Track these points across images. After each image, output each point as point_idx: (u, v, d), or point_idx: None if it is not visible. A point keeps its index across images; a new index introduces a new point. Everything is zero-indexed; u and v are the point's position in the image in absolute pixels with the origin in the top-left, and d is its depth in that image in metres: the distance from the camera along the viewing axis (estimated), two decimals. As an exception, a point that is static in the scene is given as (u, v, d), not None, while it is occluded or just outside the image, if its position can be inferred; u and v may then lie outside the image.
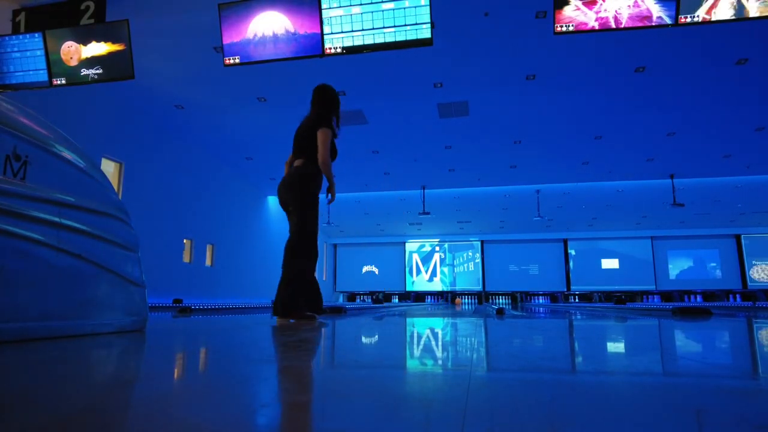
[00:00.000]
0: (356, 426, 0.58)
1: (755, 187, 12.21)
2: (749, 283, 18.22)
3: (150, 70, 6.62)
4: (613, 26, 4.11)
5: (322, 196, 3.47)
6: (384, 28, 4.43)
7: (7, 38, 5.33)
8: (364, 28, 4.47)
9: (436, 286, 20.62)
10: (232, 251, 11.25)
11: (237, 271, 11.49)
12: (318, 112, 3.45)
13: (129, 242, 2.20)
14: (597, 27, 4.14)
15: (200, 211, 9.96)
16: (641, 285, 18.99)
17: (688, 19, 4.01)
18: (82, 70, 5.20)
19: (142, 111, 8.00)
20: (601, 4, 4.10)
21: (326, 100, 3.51)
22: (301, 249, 3.21)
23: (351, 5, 4.47)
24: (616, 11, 4.09)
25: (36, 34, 5.23)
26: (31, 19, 5.37)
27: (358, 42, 4.50)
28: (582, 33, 4.20)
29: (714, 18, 3.99)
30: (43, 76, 5.30)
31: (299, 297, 3.12)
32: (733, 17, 3.96)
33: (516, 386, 0.85)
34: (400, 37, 4.41)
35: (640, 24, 4.07)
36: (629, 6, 4.07)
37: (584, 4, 4.12)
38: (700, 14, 4.00)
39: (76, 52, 5.16)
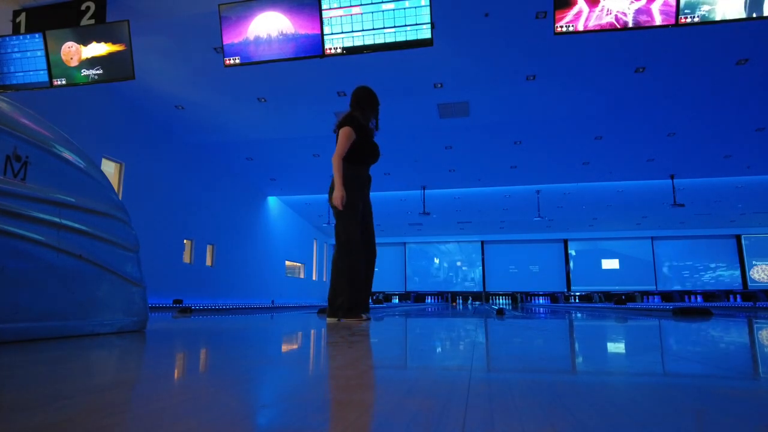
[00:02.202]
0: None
1: (755, 187, 12.21)
2: (749, 284, 18.21)
3: (150, 70, 6.62)
4: (602, 28, 4.11)
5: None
6: (384, 28, 4.43)
7: (7, 39, 5.33)
8: (365, 28, 4.47)
9: (437, 286, 20.62)
10: (232, 251, 11.25)
11: (237, 272, 11.50)
12: (348, 113, 3.47)
13: (129, 242, 2.20)
14: (597, 27, 4.14)
15: (200, 211, 9.96)
16: (641, 285, 18.98)
17: (688, 20, 4.01)
18: (82, 71, 5.20)
19: (142, 111, 8.00)
20: (591, 6, 4.10)
21: (357, 100, 3.50)
22: (338, 256, 3.34)
23: (351, 6, 4.47)
24: (617, 11, 4.09)
25: (36, 35, 5.23)
26: (32, 20, 5.37)
27: (359, 42, 4.50)
28: (582, 33, 4.20)
29: (714, 18, 3.99)
30: (43, 76, 5.30)
31: (337, 298, 3.32)
32: (734, 17, 3.96)
33: (516, 387, 0.85)
34: (401, 38, 4.41)
35: (640, 24, 4.07)
36: (630, 6, 4.07)
37: (560, 10, 4.11)
38: (701, 14, 3.99)
39: (77, 52, 5.16)
